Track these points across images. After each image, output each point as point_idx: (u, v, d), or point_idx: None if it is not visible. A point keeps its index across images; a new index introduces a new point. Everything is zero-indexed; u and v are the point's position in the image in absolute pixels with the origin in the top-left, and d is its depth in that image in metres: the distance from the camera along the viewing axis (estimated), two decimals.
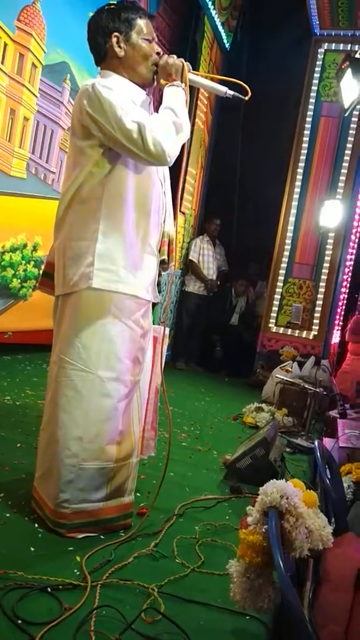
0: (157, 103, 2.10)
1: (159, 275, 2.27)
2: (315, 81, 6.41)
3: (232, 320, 6.89)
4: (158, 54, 2.10)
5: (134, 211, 2.02)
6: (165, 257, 2.26)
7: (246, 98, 2.13)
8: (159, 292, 2.30)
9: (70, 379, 1.99)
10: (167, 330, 2.38)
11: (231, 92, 2.14)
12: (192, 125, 6.08)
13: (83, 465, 1.98)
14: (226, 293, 6.89)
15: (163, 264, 2.27)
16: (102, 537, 2.01)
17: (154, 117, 1.97)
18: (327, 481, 1.97)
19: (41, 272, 2.33)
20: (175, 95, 2.04)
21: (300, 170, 6.41)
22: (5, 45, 3.88)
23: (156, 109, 2.07)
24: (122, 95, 1.95)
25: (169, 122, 1.96)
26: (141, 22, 2.07)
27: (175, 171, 2.07)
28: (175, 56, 2.10)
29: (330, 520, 1.69)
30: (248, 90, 2.14)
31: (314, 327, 6.32)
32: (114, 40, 2.03)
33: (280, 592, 1.42)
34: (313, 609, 1.45)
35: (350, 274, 6.66)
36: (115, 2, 2.12)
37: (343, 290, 6.56)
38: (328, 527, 1.53)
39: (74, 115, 2.00)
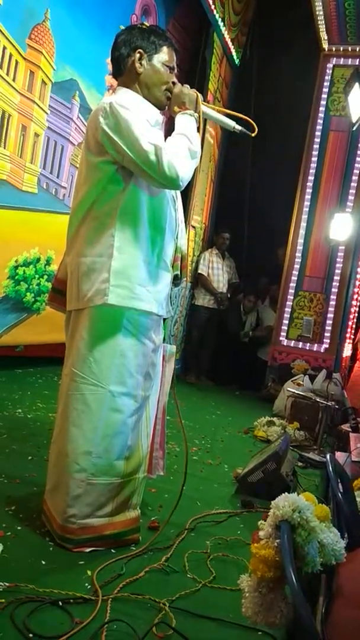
0: (168, 123, 2.14)
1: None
2: (324, 96, 6.45)
3: (243, 337, 6.86)
4: (173, 83, 2.15)
5: (149, 227, 2.04)
6: (178, 272, 2.27)
7: (253, 135, 2.20)
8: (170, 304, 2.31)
9: (81, 392, 1.99)
10: (174, 347, 2.39)
11: (239, 128, 2.21)
12: (202, 140, 6.13)
13: (92, 480, 1.98)
14: (236, 308, 6.88)
15: (175, 279, 2.29)
16: (113, 551, 2.00)
17: (169, 142, 1.99)
18: (340, 495, 1.95)
19: (50, 288, 2.34)
20: (189, 123, 2.07)
21: (309, 184, 6.43)
22: (17, 62, 3.94)
23: (166, 133, 2.11)
24: (138, 114, 1.97)
25: (184, 147, 1.99)
26: (167, 50, 2.12)
27: (186, 186, 2.10)
28: (188, 86, 2.16)
29: (343, 535, 1.67)
30: (255, 128, 2.20)
31: (325, 340, 6.30)
32: (137, 55, 2.07)
33: (293, 607, 1.40)
34: (326, 625, 1.43)
35: None
36: (147, 24, 2.17)
37: (354, 303, 6.53)
38: (341, 542, 1.52)
39: (88, 131, 2.03)
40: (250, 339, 6.80)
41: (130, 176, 1.99)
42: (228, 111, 2.29)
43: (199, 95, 2.16)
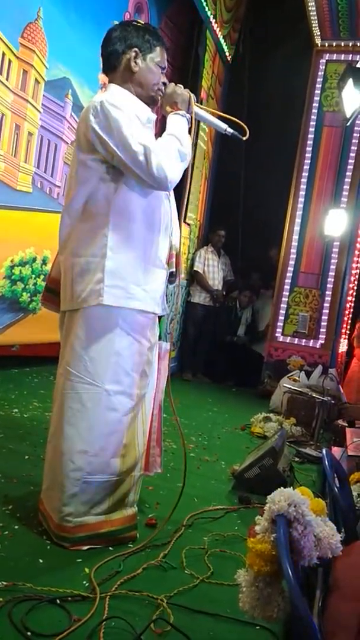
0: (160, 122, 2.14)
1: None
2: (318, 91, 6.44)
3: (239, 332, 6.88)
4: (164, 83, 2.14)
5: (143, 226, 2.03)
6: (173, 269, 2.27)
7: (244, 138, 2.20)
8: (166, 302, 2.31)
9: (77, 391, 1.99)
10: (169, 344, 2.39)
11: (230, 130, 2.21)
12: (196, 137, 6.12)
13: (87, 478, 1.98)
14: (231, 304, 6.88)
15: (170, 277, 2.29)
16: (110, 548, 2.01)
17: (159, 142, 1.98)
18: (336, 490, 1.96)
19: (44, 288, 2.34)
20: (180, 124, 2.07)
21: (304, 180, 6.43)
22: (10, 62, 3.93)
23: (158, 131, 2.10)
24: (129, 114, 1.96)
25: (174, 149, 1.98)
26: (159, 50, 2.12)
27: (180, 183, 2.10)
28: (182, 86, 2.15)
29: (339, 529, 1.68)
30: (247, 131, 2.20)
31: (320, 336, 6.31)
32: (133, 54, 2.06)
33: (290, 601, 1.41)
34: (323, 618, 1.44)
35: (356, 282, 6.65)
36: (141, 21, 2.17)
37: (349, 298, 6.55)
38: (337, 535, 1.52)
39: (79, 129, 2.02)
40: (236, 344, 6.80)
41: (121, 175, 1.99)
42: (220, 113, 2.28)
43: (192, 95, 2.15)
